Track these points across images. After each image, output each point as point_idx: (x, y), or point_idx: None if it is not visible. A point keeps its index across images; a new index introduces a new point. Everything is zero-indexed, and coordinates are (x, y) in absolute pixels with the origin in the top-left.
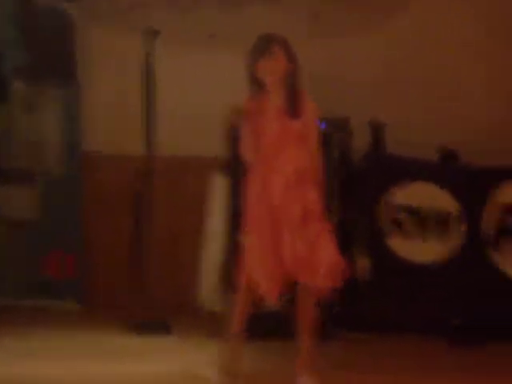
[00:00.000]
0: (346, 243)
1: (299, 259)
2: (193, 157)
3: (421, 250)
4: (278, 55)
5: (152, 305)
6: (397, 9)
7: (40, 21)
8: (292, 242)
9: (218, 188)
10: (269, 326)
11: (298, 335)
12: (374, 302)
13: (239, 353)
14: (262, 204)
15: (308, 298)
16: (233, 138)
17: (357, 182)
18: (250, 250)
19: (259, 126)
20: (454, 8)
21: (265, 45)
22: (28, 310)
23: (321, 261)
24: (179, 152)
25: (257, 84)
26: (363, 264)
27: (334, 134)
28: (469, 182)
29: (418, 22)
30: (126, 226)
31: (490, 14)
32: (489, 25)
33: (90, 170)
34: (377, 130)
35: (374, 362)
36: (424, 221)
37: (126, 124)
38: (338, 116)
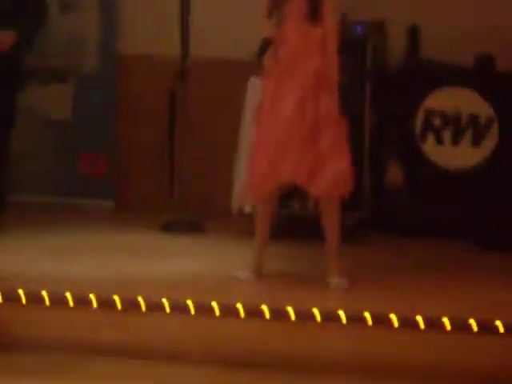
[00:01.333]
0: (378, 148)
1: (305, 170)
2: (229, 59)
3: (455, 156)
4: None
5: (185, 205)
6: None
7: None
8: (300, 151)
9: (254, 89)
10: (298, 227)
11: (325, 237)
12: (407, 207)
13: (267, 253)
14: (275, 109)
15: (329, 203)
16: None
17: (391, 86)
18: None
19: (281, 34)
20: None
21: None
22: (62, 208)
23: (326, 172)
24: (216, 54)
25: None
26: (396, 169)
27: (370, 37)
28: (504, 87)
29: None
30: (161, 128)
31: None
32: None
33: (125, 70)
34: (413, 34)
35: (404, 263)
36: (458, 126)
37: (163, 24)
38: (373, 18)
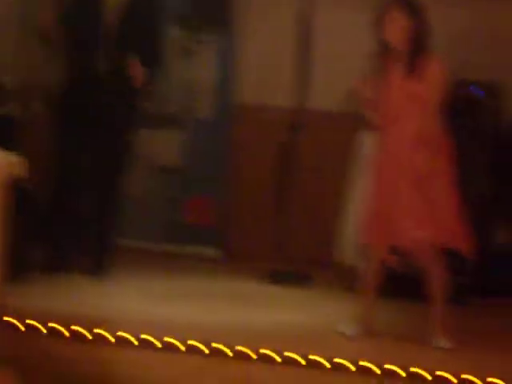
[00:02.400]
0: (491, 212)
1: (415, 213)
2: (341, 112)
3: None
4: (401, 18)
5: (293, 255)
6: None
7: None
8: (409, 196)
9: (363, 143)
10: (405, 286)
11: (430, 297)
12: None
13: (373, 310)
14: (384, 163)
15: (435, 262)
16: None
17: (508, 151)
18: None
19: (383, 87)
20: None
21: (388, 8)
22: (170, 255)
23: (439, 219)
24: (328, 106)
25: (383, 46)
26: (507, 233)
27: (485, 100)
28: None
29: None
30: (271, 178)
31: None
32: None
33: (239, 118)
34: None
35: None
36: None
37: (278, 76)
38: (490, 80)
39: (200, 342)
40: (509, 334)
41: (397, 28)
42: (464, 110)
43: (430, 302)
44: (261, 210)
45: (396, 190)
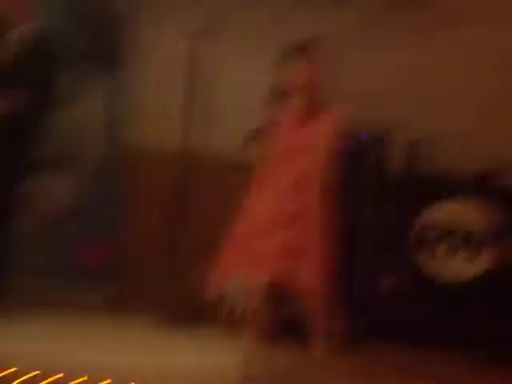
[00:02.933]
0: (375, 257)
1: (284, 257)
2: (231, 157)
3: (449, 269)
4: (300, 66)
5: (188, 297)
6: (443, 23)
7: (89, 11)
8: (280, 240)
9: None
10: (289, 328)
11: (312, 341)
12: (401, 318)
13: (260, 352)
14: (261, 203)
15: (317, 306)
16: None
17: (389, 196)
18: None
19: (278, 131)
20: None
21: (289, 55)
22: (63, 295)
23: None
24: (219, 150)
25: (281, 92)
26: (390, 279)
27: (371, 147)
28: (502, 202)
29: (464, 38)
30: (163, 219)
31: None
32: None
33: (130, 160)
34: (413, 147)
35: (394, 373)
36: (454, 240)
37: (167, 119)
38: (377, 128)
39: None
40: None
41: (297, 76)
42: (353, 156)
43: (312, 343)
44: (155, 251)
45: (271, 233)
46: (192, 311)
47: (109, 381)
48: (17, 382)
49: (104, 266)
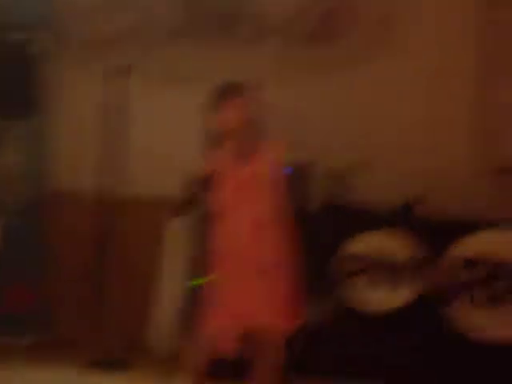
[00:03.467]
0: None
1: (258, 302)
2: (152, 195)
3: (374, 299)
4: (229, 108)
5: (113, 342)
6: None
7: (4, 54)
8: (251, 286)
9: (174, 231)
10: (230, 369)
11: (257, 380)
12: (331, 349)
13: None
14: (224, 250)
15: (266, 345)
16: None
17: (311, 229)
18: (209, 295)
19: (220, 174)
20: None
21: (216, 98)
22: None
23: (277, 302)
24: (140, 190)
25: (214, 135)
26: (318, 311)
27: (294, 180)
28: (425, 233)
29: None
30: (86, 263)
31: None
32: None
33: (53, 203)
34: (339, 177)
35: None
36: (378, 270)
37: (88, 160)
38: (300, 160)
39: None
40: None
41: (227, 118)
42: None
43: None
44: (80, 295)
45: (238, 279)
46: (122, 352)
47: None
48: None
49: (29, 309)
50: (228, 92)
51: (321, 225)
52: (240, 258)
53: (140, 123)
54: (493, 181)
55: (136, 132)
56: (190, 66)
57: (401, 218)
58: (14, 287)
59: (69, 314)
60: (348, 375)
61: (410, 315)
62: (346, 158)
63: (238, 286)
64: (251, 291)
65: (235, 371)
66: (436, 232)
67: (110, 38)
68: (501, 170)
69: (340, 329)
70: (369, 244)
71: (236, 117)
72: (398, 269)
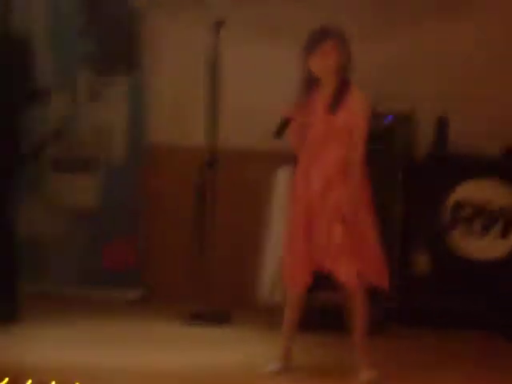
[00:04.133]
0: (406, 237)
1: (334, 247)
2: (256, 150)
3: (483, 247)
4: (329, 51)
5: (213, 295)
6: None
7: (105, 10)
8: (328, 229)
9: (282, 181)
10: (326, 319)
11: (352, 330)
12: (435, 297)
13: (294, 345)
14: (303, 195)
15: (357, 294)
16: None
17: (420, 177)
18: (286, 240)
19: (308, 119)
20: None
21: (315, 40)
22: (89, 299)
23: (363, 254)
24: (243, 144)
25: (310, 79)
26: (423, 259)
27: (398, 128)
28: None
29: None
30: (188, 218)
31: None
32: None
33: (153, 159)
34: (441, 126)
35: (430, 357)
36: (486, 217)
37: (191, 115)
38: (403, 109)
39: None
40: (432, 364)
41: (325, 60)
42: (378, 138)
43: (353, 334)
44: (180, 250)
45: (320, 225)
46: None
47: None
48: None
49: (129, 266)
50: (326, 35)
51: (428, 173)
52: (318, 205)
53: (231, 77)
54: None
55: (228, 86)
56: (281, 19)
57: (506, 163)
58: (115, 243)
59: (171, 270)
60: (451, 325)
61: None
62: (446, 105)
63: (315, 232)
64: (327, 238)
65: (331, 321)
66: None
67: None
68: None
69: (448, 276)
70: (474, 190)
71: (335, 60)
72: (506, 214)
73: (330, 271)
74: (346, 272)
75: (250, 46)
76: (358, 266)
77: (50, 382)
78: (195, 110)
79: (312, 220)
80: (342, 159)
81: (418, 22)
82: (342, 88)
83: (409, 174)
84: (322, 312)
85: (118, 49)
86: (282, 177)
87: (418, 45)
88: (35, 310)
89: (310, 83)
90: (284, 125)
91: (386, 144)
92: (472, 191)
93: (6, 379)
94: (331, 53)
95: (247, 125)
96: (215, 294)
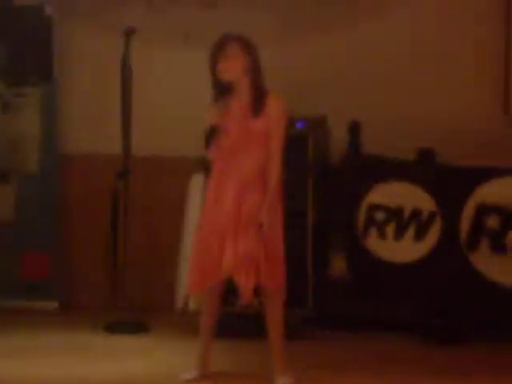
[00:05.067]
0: (322, 243)
1: (238, 259)
2: (169, 157)
3: (398, 249)
4: (234, 55)
5: (129, 304)
6: (372, 8)
7: (17, 20)
8: (234, 241)
9: (196, 187)
10: (243, 325)
11: (269, 335)
12: (352, 301)
13: (210, 352)
14: (217, 202)
15: (273, 299)
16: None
17: (334, 181)
18: (196, 246)
19: (224, 125)
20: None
21: (220, 46)
22: (5, 311)
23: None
24: (156, 152)
25: (220, 84)
26: (339, 264)
27: (311, 133)
28: (446, 181)
29: (397, 20)
30: (104, 226)
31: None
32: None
33: (67, 169)
34: (354, 130)
35: (348, 360)
36: (401, 220)
37: (104, 123)
38: (315, 115)
39: None
40: (349, 367)
41: (229, 63)
42: (292, 145)
43: (269, 339)
44: (96, 260)
45: (226, 231)
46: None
47: None
48: None
49: (44, 277)
50: (229, 40)
51: (342, 176)
52: (232, 211)
53: (145, 84)
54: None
55: (141, 93)
56: (193, 27)
57: (419, 166)
58: (30, 254)
59: (87, 279)
60: (369, 328)
61: (433, 264)
62: (358, 109)
63: (225, 238)
64: (236, 244)
65: (248, 327)
66: (455, 180)
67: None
68: None
69: (364, 279)
70: (388, 193)
71: (242, 64)
72: (420, 218)
73: (234, 278)
74: (244, 284)
75: (162, 52)
76: (259, 278)
77: None
78: (109, 117)
79: (227, 226)
80: (259, 165)
81: (329, 29)
82: (258, 92)
83: (323, 179)
84: (238, 318)
85: (29, 58)
86: (197, 183)
87: (330, 51)
88: None
89: (222, 88)
90: (212, 133)
91: (298, 150)
92: (385, 194)
93: None
94: (236, 57)
95: (161, 131)
96: (132, 302)
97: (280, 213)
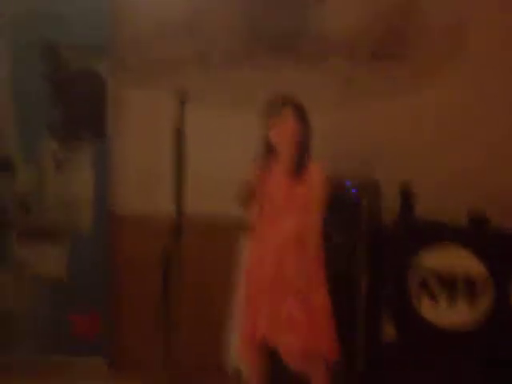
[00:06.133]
0: (372, 307)
1: (280, 322)
2: (221, 216)
3: (448, 315)
4: (287, 119)
5: (178, 366)
6: (425, 74)
7: (72, 80)
8: (272, 305)
9: (245, 247)
10: None
11: None
12: (401, 366)
13: None
14: (259, 266)
15: (317, 365)
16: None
17: (386, 246)
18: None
19: (267, 187)
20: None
21: (274, 108)
22: (55, 367)
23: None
24: (209, 213)
25: (268, 147)
26: (390, 328)
27: (363, 198)
28: (498, 246)
29: (448, 87)
30: (155, 286)
31: None
32: None
33: (119, 228)
34: (406, 195)
35: None
36: (452, 285)
37: (156, 184)
38: (368, 179)
39: None
40: None
41: (286, 131)
42: (344, 209)
43: None
44: (147, 320)
45: (271, 297)
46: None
47: None
48: None
49: (96, 335)
50: (284, 103)
51: (392, 240)
52: (271, 276)
53: (198, 147)
54: None
55: (194, 156)
56: (251, 90)
57: (472, 231)
58: (82, 312)
59: (137, 339)
60: None
61: (485, 330)
62: (410, 172)
63: (267, 303)
64: (274, 308)
65: None
66: (508, 246)
67: (172, 62)
68: None
69: (415, 344)
70: (440, 258)
71: (293, 128)
72: (471, 283)
73: (275, 345)
74: (286, 350)
75: (216, 115)
76: (304, 344)
77: None
78: (161, 176)
79: (264, 291)
80: (298, 229)
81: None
82: (303, 159)
83: (375, 244)
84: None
85: (83, 118)
86: (244, 244)
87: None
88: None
89: (269, 150)
90: (249, 194)
91: (350, 214)
92: (438, 259)
93: None
94: (288, 120)
95: (213, 191)
96: (181, 364)
97: (322, 277)
